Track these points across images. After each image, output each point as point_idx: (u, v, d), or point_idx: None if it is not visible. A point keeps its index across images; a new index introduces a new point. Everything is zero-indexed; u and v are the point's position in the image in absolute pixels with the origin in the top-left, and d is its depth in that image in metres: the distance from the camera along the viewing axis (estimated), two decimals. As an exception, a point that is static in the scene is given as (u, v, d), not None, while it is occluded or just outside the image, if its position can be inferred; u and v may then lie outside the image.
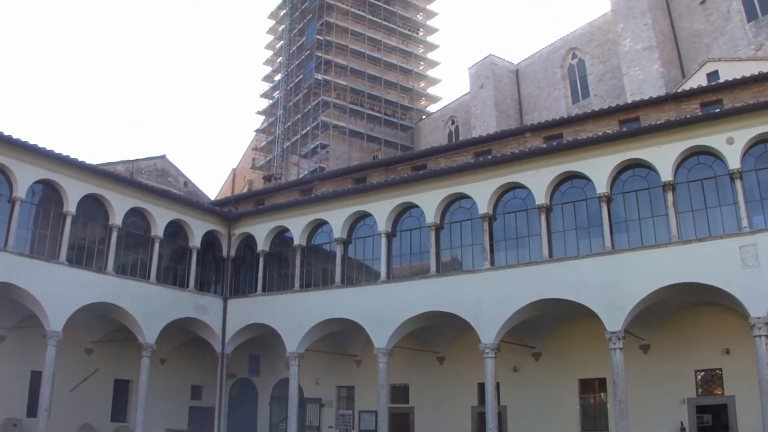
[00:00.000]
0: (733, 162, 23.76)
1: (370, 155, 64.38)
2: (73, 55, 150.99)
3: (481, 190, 28.87)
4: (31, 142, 27.36)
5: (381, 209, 31.36)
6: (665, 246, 24.37)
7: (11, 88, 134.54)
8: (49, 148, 28.01)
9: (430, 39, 74.43)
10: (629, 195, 26.15)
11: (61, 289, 27.64)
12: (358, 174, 40.41)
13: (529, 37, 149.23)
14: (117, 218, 30.50)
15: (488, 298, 27.26)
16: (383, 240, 31.01)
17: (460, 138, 61.60)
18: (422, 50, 73.88)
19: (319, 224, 33.59)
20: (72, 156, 28.87)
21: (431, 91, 73.62)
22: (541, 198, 27.39)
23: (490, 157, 32.77)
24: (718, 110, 26.36)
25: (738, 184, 23.59)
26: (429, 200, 30.18)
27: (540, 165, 27.80)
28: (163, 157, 45.90)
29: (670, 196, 24.77)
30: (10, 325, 29.32)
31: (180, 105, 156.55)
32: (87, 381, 31.81)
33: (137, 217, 31.94)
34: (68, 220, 28.72)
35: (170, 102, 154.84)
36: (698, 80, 36.96)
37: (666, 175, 24.92)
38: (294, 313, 32.23)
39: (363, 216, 32.31)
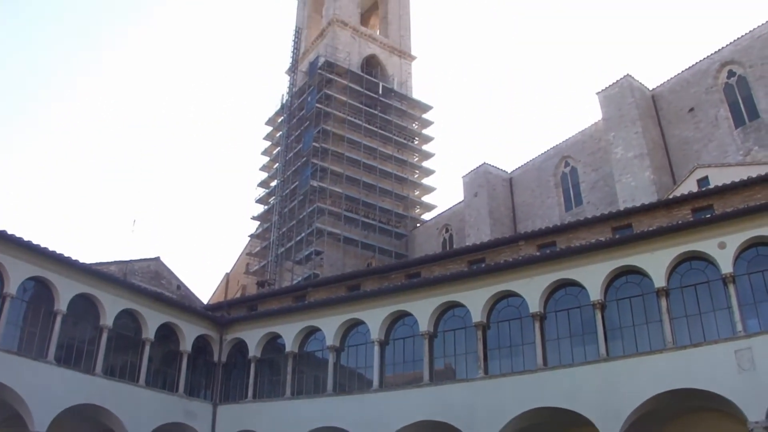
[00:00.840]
0: (726, 266, 24.00)
1: (364, 263, 64.36)
2: (71, 157, 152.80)
3: (475, 299, 28.98)
4: (25, 238, 27.52)
5: (374, 317, 31.32)
6: (660, 352, 24.35)
7: (7, 184, 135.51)
8: (42, 245, 28.16)
9: (425, 148, 75.26)
10: (623, 302, 26.28)
11: (47, 389, 27.17)
12: (352, 281, 40.20)
13: (522, 145, 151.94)
14: (108, 319, 30.29)
15: (482, 407, 26.96)
16: (376, 348, 30.85)
17: (455, 246, 61.85)
18: (417, 159, 74.64)
19: (312, 331, 33.41)
20: (65, 254, 29.01)
21: (426, 199, 74.11)
22: (534, 306, 27.48)
23: (483, 265, 32.90)
24: (709, 215, 26.78)
25: (731, 288, 23.76)
26: (423, 308, 30.21)
27: (534, 273, 28.05)
28: (157, 259, 45.83)
29: (663, 302, 24.86)
30: (-8, 423, 28.69)
31: (175, 208, 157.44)
32: (68, 487, 30.77)
33: (128, 318, 31.70)
34: (58, 319, 28.53)
35: (166, 205, 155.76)
36: (689, 186, 37.48)
37: (659, 281, 25.11)
38: (285, 421, 31.55)
39: (356, 324, 32.22)
